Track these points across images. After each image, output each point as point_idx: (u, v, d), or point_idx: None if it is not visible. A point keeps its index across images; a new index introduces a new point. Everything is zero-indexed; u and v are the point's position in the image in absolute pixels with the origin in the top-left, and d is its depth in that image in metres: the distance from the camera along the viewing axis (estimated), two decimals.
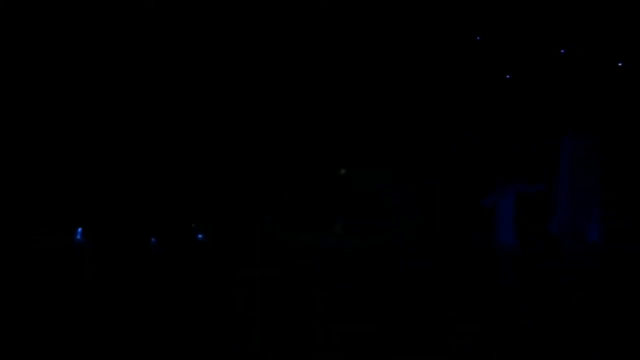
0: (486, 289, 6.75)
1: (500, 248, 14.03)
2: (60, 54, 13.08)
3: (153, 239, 11.86)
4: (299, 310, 6.63)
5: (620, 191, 14.34)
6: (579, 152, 14.58)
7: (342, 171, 13.96)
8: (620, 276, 7.77)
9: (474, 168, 15.76)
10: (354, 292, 6.90)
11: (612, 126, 14.71)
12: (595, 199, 14.35)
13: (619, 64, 14.90)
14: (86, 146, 13.32)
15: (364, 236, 13.63)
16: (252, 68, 15.65)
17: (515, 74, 15.72)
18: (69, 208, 12.38)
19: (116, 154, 13.49)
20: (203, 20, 14.53)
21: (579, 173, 14.56)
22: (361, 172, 15.25)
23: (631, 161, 14.58)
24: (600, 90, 14.91)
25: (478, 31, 15.96)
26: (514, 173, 14.61)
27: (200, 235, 13.26)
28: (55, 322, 6.56)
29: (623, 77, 14.88)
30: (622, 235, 14.26)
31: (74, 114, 13.25)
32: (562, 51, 15.25)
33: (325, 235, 15.39)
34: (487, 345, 4.07)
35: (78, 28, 13.29)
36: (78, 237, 11.54)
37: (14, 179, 12.74)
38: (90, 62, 13.19)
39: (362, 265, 9.41)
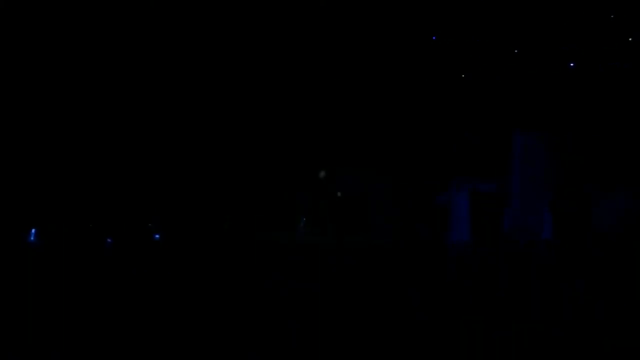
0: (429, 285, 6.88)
1: (452, 245, 14.26)
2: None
3: (109, 239, 11.86)
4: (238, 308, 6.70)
5: (569, 188, 14.63)
6: (529, 150, 14.85)
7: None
8: (562, 272, 7.97)
9: (429, 166, 15.97)
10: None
11: (561, 124, 15.00)
12: (545, 197, 14.63)
13: (570, 64, 15.20)
14: (41, 147, 13.24)
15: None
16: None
17: (469, 73, 15.95)
18: (23, 209, 12.32)
19: (72, 155, 13.44)
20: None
21: (528, 171, 14.83)
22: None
23: (579, 159, 14.87)
24: (549, 89, 15.19)
25: (434, 31, 16.16)
26: (467, 171, 14.84)
27: (157, 235, 13.27)
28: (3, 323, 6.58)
29: (573, 76, 15.18)
30: (572, 232, 14.58)
31: (29, 115, 13.17)
32: (515, 51, 15.51)
33: (286, 233, 15.51)
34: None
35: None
36: (32, 238, 11.50)
37: None
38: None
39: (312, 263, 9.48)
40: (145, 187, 14.24)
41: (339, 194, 14.19)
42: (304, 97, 16.12)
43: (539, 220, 14.53)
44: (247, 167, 16.00)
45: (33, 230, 11.82)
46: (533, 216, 14.59)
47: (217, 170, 16.16)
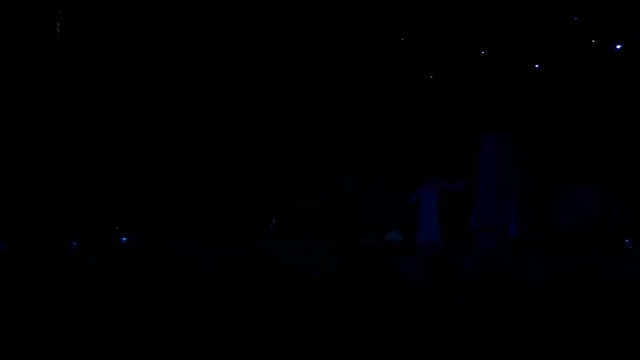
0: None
1: (421, 245, 14.29)
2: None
3: (74, 243, 11.64)
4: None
5: (535, 188, 14.79)
6: (497, 150, 14.94)
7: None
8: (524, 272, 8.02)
9: (399, 166, 16.02)
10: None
11: (528, 125, 15.16)
12: (512, 196, 14.73)
13: (536, 66, 15.38)
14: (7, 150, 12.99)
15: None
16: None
17: (438, 74, 16.05)
18: None
19: (37, 158, 13.20)
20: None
21: (496, 170, 14.92)
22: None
23: (548, 159, 15.04)
24: (517, 90, 15.34)
25: (403, 33, 16.22)
26: (436, 171, 14.89)
27: (124, 238, 13.09)
28: None
29: (539, 78, 15.35)
30: (539, 231, 14.73)
31: None
32: (482, 52, 15.64)
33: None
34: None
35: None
36: None
37: None
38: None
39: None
40: (115, 191, 14.06)
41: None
42: (271, 97, 16.05)
43: (506, 220, 14.63)
44: (218, 170, 15.89)
45: None
46: (500, 216, 14.68)
47: (186, 173, 16.02)
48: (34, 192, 12.48)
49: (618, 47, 14.66)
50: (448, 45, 15.67)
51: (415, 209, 14.90)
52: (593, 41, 14.83)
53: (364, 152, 16.03)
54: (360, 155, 16.02)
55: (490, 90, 15.27)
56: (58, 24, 11.90)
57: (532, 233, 14.61)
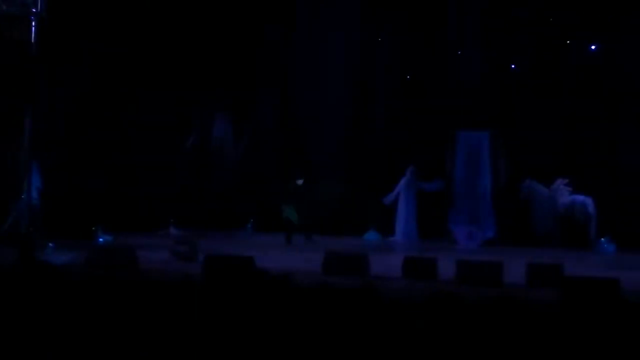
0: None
1: (399, 243, 14.42)
2: None
3: (50, 244, 11.54)
4: None
5: (511, 188, 14.92)
6: (473, 149, 15.09)
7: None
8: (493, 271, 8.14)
9: (377, 167, 16.10)
10: None
11: (504, 124, 15.28)
12: (487, 195, 14.89)
13: (512, 67, 15.52)
14: None
15: None
16: None
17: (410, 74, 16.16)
18: None
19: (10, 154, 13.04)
20: None
21: (472, 170, 15.07)
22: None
23: (521, 158, 15.18)
24: (493, 88, 15.46)
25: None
26: (414, 171, 14.99)
27: (101, 239, 13.02)
28: None
29: (513, 77, 15.48)
30: (514, 230, 14.88)
31: None
32: (458, 52, 15.74)
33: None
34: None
35: None
36: None
37: None
38: None
39: None
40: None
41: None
42: None
43: (484, 218, 14.79)
44: None
45: None
46: (477, 214, 14.84)
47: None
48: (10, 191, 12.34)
49: (593, 47, 14.84)
50: (424, 43, 15.79)
51: (393, 209, 15.04)
52: (568, 42, 15.00)
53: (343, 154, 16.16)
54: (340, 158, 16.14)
55: (466, 88, 15.40)
56: None
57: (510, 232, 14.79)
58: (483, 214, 14.82)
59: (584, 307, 5.82)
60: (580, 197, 14.18)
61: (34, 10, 11.50)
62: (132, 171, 15.59)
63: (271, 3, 16.27)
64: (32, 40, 11.59)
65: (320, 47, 16.44)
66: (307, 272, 8.53)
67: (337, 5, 15.95)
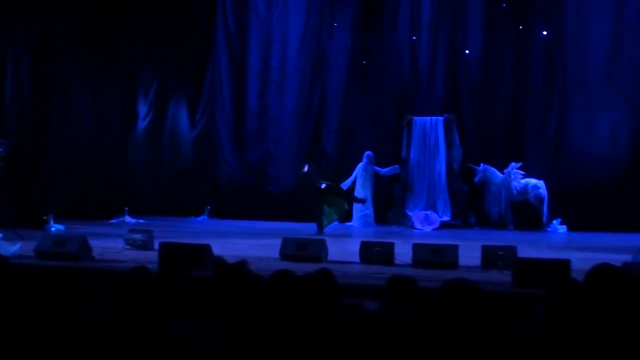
0: None
1: (356, 228, 14.49)
2: None
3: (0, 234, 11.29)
4: None
5: (466, 172, 15.10)
6: (427, 134, 15.22)
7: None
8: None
9: (334, 152, 16.12)
10: None
11: (458, 109, 15.44)
12: (443, 180, 15.05)
13: (466, 51, 15.64)
14: None
15: None
16: None
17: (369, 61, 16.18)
18: None
19: None
20: None
21: (427, 155, 15.20)
22: None
23: (475, 143, 15.36)
24: (444, 74, 15.57)
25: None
26: (370, 156, 15.05)
27: (52, 228, 12.76)
28: None
29: (468, 63, 15.61)
30: (469, 214, 15.08)
31: None
32: (414, 37, 15.80)
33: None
34: None
35: None
36: None
37: None
38: None
39: None
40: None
41: None
42: None
43: (440, 202, 14.94)
44: None
45: None
46: (433, 199, 14.99)
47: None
48: None
49: (545, 33, 15.04)
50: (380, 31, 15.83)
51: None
52: (521, 27, 15.18)
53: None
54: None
55: (421, 73, 15.51)
56: None
57: (465, 216, 14.98)
58: (439, 199, 14.99)
59: (536, 288, 5.95)
60: (532, 181, 14.44)
61: None
62: (81, 157, 15.33)
63: None
64: None
65: (278, 29, 16.39)
66: (265, 259, 8.53)
67: None
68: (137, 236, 9.69)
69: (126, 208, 15.03)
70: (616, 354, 3.14)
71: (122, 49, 16.00)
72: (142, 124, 17.16)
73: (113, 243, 9.89)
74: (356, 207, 14.95)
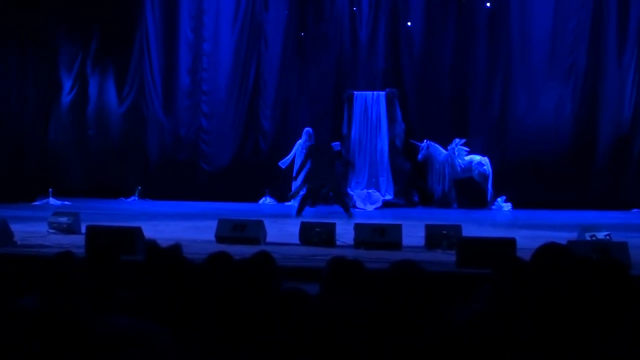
0: None
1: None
2: None
3: None
4: None
5: (408, 149, 15.25)
6: (368, 110, 15.29)
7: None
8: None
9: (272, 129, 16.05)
10: None
11: (400, 84, 15.54)
12: (385, 157, 15.16)
13: (408, 23, 15.71)
14: None
15: None
16: None
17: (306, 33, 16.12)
18: None
19: None
20: None
21: (368, 131, 15.29)
22: None
23: (418, 118, 15.51)
24: (386, 48, 15.64)
25: None
26: (310, 133, 15.03)
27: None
28: None
29: (410, 36, 15.70)
30: (412, 192, 15.26)
31: None
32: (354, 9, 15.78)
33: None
34: None
35: None
36: None
37: None
38: None
39: None
40: None
41: None
42: None
43: (382, 181, 15.06)
44: None
45: None
46: (375, 177, 15.10)
47: None
48: None
49: (488, 5, 15.22)
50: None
51: (289, 173, 15.06)
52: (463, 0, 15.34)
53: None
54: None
55: (363, 47, 15.54)
56: None
57: (408, 194, 15.14)
58: (381, 177, 15.11)
59: (481, 268, 6.06)
60: (477, 157, 14.68)
61: None
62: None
63: None
64: None
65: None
66: (200, 242, 8.46)
67: None
68: (62, 219, 9.49)
69: (50, 189, 14.69)
70: (561, 333, 3.22)
71: (42, 19, 15.53)
72: (66, 98, 16.74)
73: (36, 227, 9.66)
74: (295, 186, 14.92)
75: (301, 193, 12.71)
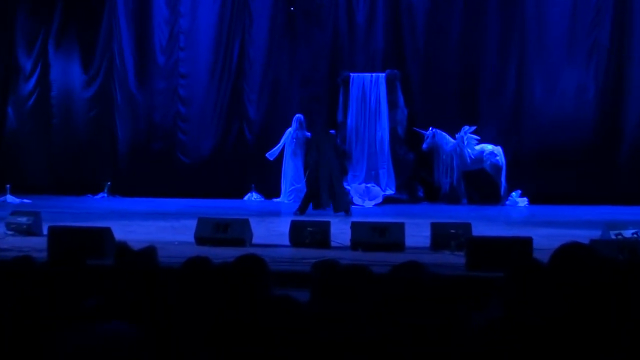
0: None
1: (286, 205, 14.51)
2: None
3: None
4: None
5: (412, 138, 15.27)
6: (367, 94, 15.30)
7: None
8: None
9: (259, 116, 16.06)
10: None
11: (402, 65, 15.54)
12: (385, 147, 15.17)
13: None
14: None
15: None
16: None
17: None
18: None
19: None
20: None
21: (366, 118, 15.31)
22: None
23: (422, 104, 15.52)
24: (387, 27, 15.64)
25: None
26: (301, 119, 15.03)
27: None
28: None
29: (414, 15, 15.69)
30: (416, 186, 15.29)
31: None
32: None
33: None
34: None
35: None
36: None
37: None
38: None
39: None
40: None
41: None
42: None
43: (382, 173, 15.08)
44: None
45: None
46: (374, 169, 15.11)
47: None
48: None
49: None
50: None
51: (278, 165, 15.06)
52: None
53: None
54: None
55: (360, 26, 15.54)
56: None
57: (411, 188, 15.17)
58: (381, 169, 15.11)
59: (493, 271, 6.06)
60: (488, 147, 14.67)
61: None
62: None
63: None
64: None
65: None
66: (177, 244, 8.45)
67: None
68: (22, 219, 9.49)
69: (8, 185, 14.66)
70: (584, 342, 3.22)
71: None
72: (25, 83, 16.69)
73: None
74: (284, 180, 14.95)
75: (304, 191, 12.70)
